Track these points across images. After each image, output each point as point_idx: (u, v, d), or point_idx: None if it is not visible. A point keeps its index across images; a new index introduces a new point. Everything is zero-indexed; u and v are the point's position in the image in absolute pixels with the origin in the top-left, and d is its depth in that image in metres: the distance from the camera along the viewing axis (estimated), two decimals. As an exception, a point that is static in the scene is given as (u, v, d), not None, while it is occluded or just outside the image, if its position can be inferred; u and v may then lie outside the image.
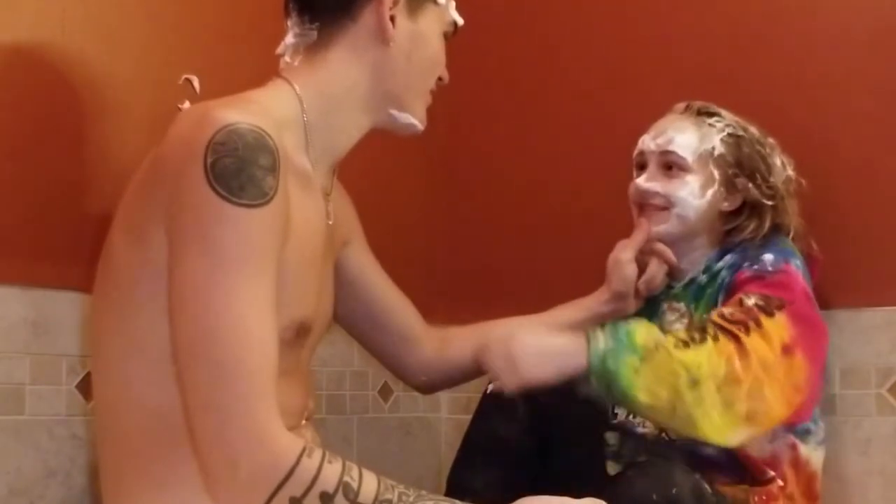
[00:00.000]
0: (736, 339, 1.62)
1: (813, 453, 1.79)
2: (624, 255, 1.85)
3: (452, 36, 1.59)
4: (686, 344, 1.60)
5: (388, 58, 1.50)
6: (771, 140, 1.89)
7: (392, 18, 1.48)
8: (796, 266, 1.77)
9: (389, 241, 2.32)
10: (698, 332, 1.63)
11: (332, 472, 1.25)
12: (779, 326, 1.67)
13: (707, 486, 1.59)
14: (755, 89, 2.15)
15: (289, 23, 1.51)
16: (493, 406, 1.77)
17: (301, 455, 1.24)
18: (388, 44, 1.49)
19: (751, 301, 1.69)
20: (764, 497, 1.71)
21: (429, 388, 1.86)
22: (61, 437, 1.68)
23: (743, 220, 1.85)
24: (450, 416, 2.33)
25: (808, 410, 1.73)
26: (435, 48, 1.55)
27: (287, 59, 1.51)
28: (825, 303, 1.83)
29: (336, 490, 1.24)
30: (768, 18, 2.18)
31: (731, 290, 1.76)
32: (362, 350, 2.25)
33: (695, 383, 1.57)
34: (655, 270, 1.87)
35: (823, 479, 1.80)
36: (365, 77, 1.49)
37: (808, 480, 1.78)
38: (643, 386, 1.56)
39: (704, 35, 2.23)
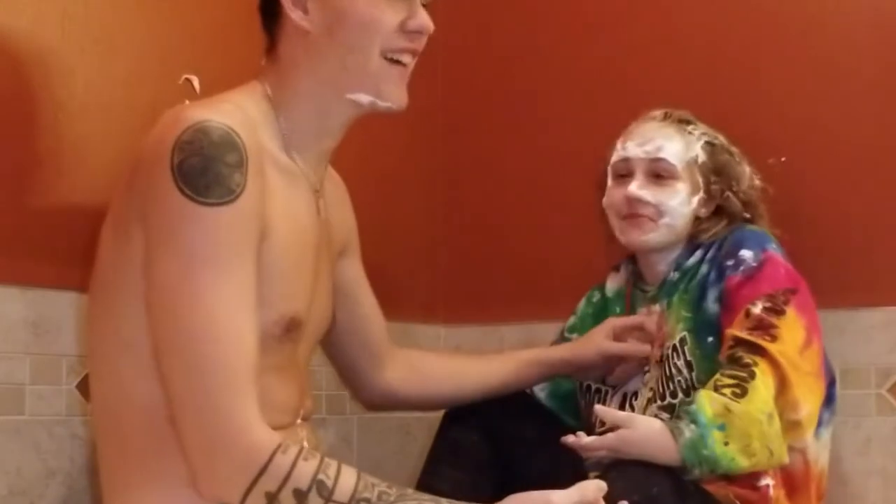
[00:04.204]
0: (763, 352, 1.67)
1: (822, 451, 1.79)
2: (608, 346, 1.86)
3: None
4: (741, 388, 1.64)
5: (314, 45, 1.47)
6: (736, 149, 1.90)
7: (304, 7, 1.46)
8: (773, 249, 1.79)
9: (390, 241, 2.32)
10: (740, 369, 1.66)
11: (306, 470, 1.26)
12: (791, 325, 1.71)
13: (689, 485, 1.60)
14: (753, 91, 2.15)
15: None
16: (451, 419, 1.83)
17: (275, 451, 1.25)
18: (307, 34, 1.46)
19: (758, 309, 1.71)
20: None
21: (379, 407, 1.86)
22: (61, 437, 1.68)
23: (712, 224, 1.86)
24: (450, 416, 2.33)
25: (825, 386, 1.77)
26: (358, 14, 1.45)
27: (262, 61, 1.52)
28: (825, 303, 1.83)
29: (310, 488, 1.25)
30: (759, 22, 2.18)
31: (727, 298, 1.76)
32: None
33: (771, 417, 1.64)
34: (632, 370, 1.89)
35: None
36: (306, 70, 1.48)
37: (818, 479, 1.78)
38: (738, 450, 1.61)
39: (700, 39, 2.23)
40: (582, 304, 2.02)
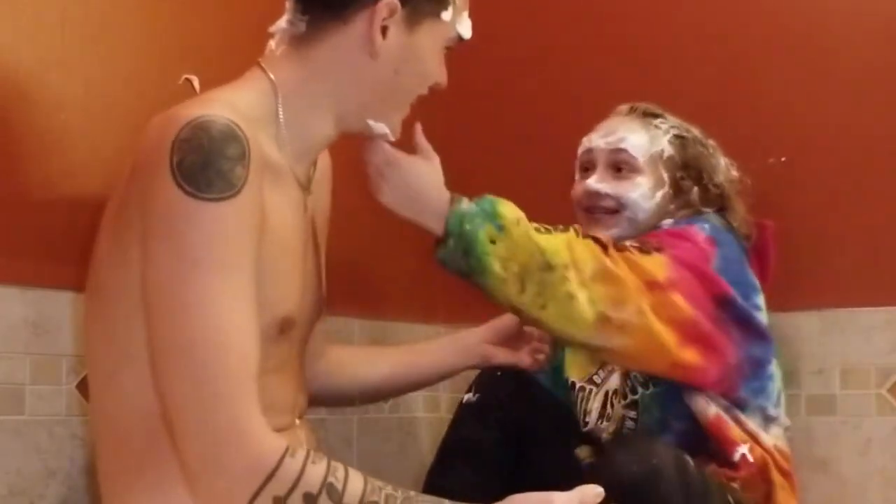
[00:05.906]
0: (603, 246, 1.62)
1: (778, 440, 1.75)
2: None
3: (456, 46, 1.54)
4: (548, 230, 1.60)
5: (372, 68, 1.44)
6: (712, 142, 1.88)
7: (385, 29, 1.43)
8: (701, 227, 1.76)
9: (390, 241, 2.32)
10: (563, 226, 1.63)
11: (315, 473, 1.24)
12: (654, 263, 1.66)
13: (689, 460, 1.58)
14: (754, 91, 2.15)
15: (287, 4, 1.47)
16: (469, 414, 1.81)
17: (284, 455, 1.23)
18: (374, 57, 1.43)
19: (626, 243, 1.69)
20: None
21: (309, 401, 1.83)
22: (61, 437, 1.68)
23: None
24: (449, 416, 2.32)
25: (733, 380, 1.71)
26: (427, 63, 1.49)
27: (272, 45, 1.47)
28: (826, 303, 1.83)
29: (320, 491, 1.23)
30: (760, 23, 2.19)
31: None
32: (362, 350, 2.23)
33: (548, 267, 1.58)
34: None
35: (823, 478, 1.80)
36: (345, 84, 1.45)
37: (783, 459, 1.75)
38: (498, 255, 1.56)
39: (700, 40, 2.24)
40: None
